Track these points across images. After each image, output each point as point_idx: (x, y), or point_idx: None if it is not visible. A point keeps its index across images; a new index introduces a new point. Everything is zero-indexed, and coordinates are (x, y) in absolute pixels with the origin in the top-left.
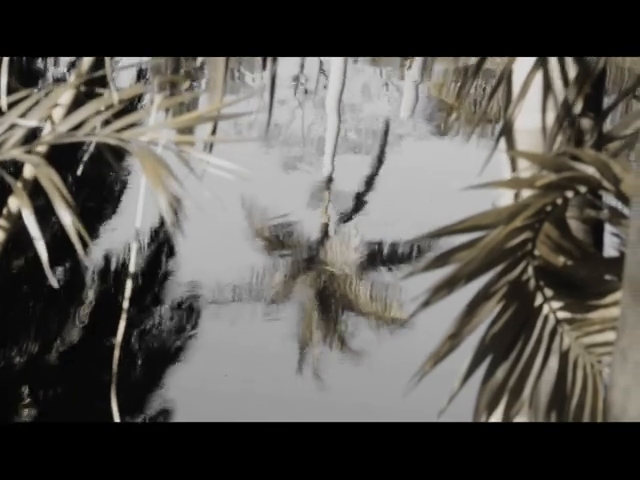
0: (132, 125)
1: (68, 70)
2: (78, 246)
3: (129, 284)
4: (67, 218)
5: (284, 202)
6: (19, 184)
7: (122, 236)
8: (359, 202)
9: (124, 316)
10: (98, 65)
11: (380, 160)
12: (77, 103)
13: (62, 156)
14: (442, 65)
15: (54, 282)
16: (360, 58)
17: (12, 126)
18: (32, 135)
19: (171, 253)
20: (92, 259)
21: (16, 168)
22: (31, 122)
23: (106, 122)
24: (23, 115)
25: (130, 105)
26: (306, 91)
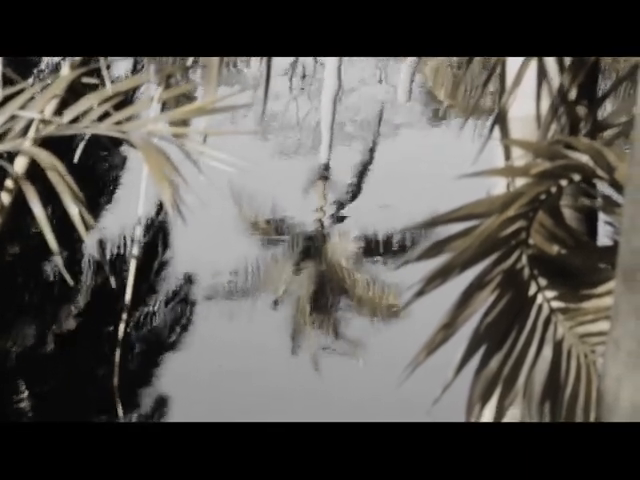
0: (130, 117)
1: (63, 58)
2: (85, 237)
3: (132, 270)
4: (74, 208)
5: (280, 192)
6: (22, 179)
7: (117, 226)
8: (354, 191)
9: (126, 308)
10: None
11: (375, 149)
12: (75, 94)
13: (53, 147)
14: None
15: (70, 280)
16: None
17: (12, 117)
18: (28, 126)
19: (166, 244)
20: (88, 249)
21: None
22: (32, 114)
23: (105, 114)
24: (23, 107)
25: (126, 96)
26: (304, 76)
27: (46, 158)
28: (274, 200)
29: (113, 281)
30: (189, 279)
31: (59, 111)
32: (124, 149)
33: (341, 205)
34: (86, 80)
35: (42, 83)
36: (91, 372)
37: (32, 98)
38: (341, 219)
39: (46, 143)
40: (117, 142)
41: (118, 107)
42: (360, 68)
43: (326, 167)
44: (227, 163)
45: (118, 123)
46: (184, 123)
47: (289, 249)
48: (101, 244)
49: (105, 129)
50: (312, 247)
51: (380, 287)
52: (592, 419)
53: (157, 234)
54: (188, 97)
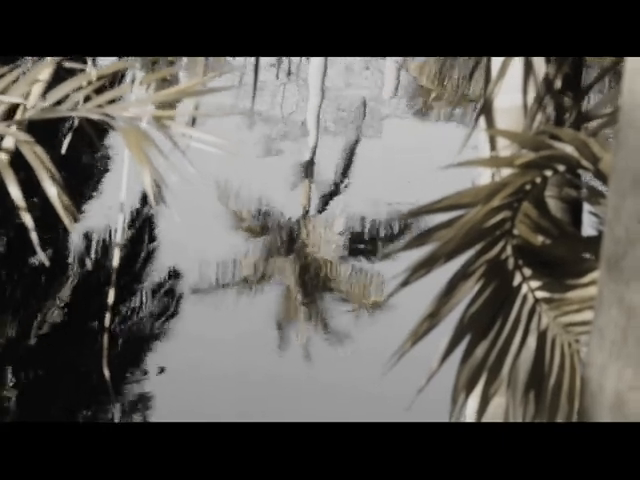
0: (113, 101)
1: None
2: (65, 219)
3: (117, 256)
4: (52, 191)
5: (265, 184)
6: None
7: (101, 216)
8: (340, 183)
9: (112, 293)
10: None
11: (360, 140)
12: (58, 79)
13: (37, 136)
14: None
15: (45, 260)
16: None
17: None
18: (10, 111)
19: (152, 235)
20: (72, 238)
21: None
22: (13, 98)
23: (87, 98)
24: (4, 91)
25: (111, 81)
26: (289, 72)
27: (25, 139)
28: (260, 192)
29: (90, 264)
30: (175, 270)
31: (43, 95)
32: (110, 138)
33: (326, 197)
34: (70, 65)
35: (24, 67)
36: (76, 364)
37: (15, 82)
38: (326, 211)
39: (30, 132)
40: (102, 131)
41: (102, 91)
42: (347, 61)
43: (311, 160)
44: (213, 145)
45: (101, 107)
46: (170, 107)
47: (274, 241)
48: (86, 235)
49: (88, 112)
50: (297, 239)
51: (365, 277)
52: (576, 407)
53: (143, 225)
54: (173, 81)
